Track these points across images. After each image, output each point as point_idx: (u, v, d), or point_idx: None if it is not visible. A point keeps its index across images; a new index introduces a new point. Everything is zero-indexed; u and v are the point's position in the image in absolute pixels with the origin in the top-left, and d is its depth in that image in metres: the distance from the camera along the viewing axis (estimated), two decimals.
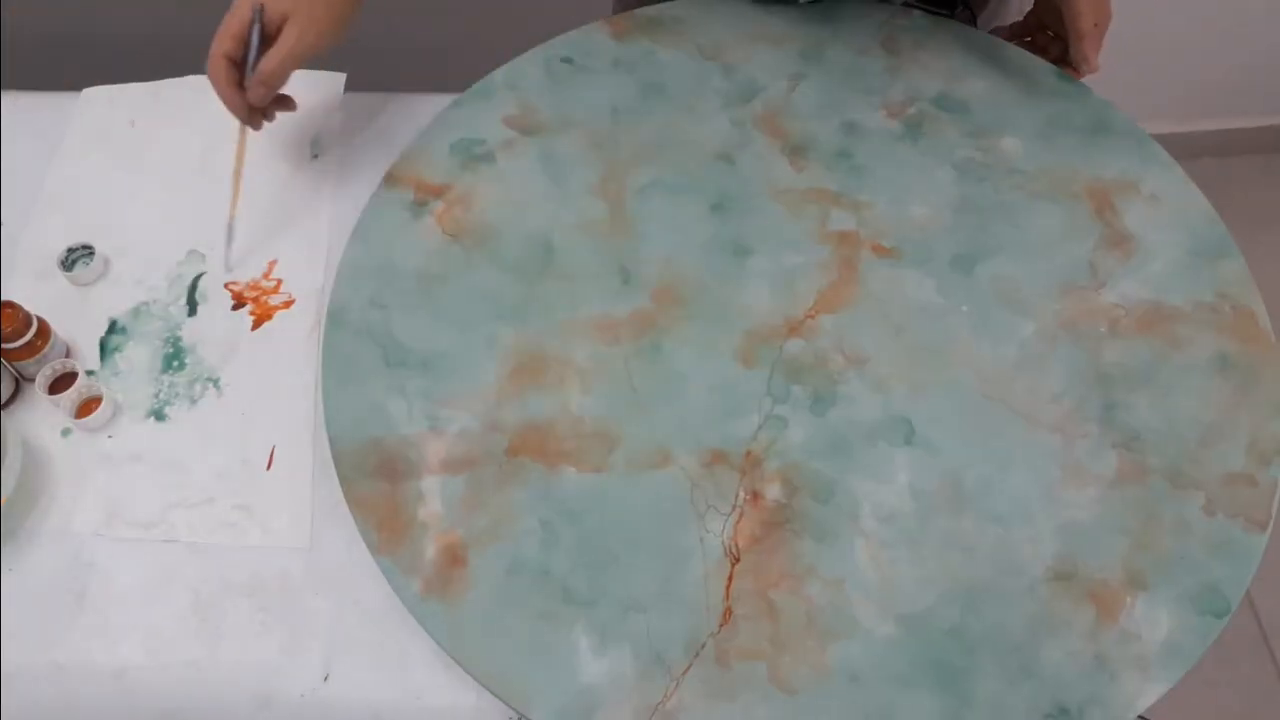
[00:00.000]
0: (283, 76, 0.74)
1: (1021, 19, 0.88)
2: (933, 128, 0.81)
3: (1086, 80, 0.83)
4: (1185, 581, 0.63)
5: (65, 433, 0.74)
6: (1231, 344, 0.71)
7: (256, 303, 0.80)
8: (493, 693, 0.61)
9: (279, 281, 0.81)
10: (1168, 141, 0.81)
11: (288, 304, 0.80)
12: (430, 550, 0.65)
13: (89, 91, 0.92)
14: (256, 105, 0.75)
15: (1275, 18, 1.52)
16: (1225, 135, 1.76)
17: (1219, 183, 0.88)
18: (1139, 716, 0.60)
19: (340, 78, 0.91)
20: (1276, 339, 0.71)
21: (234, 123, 0.77)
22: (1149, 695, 0.60)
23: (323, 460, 0.70)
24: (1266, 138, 1.79)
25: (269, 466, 0.73)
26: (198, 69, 0.92)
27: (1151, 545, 0.64)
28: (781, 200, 0.78)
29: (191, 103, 0.91)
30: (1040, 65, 0.84)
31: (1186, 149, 1.24)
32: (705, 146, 0.80)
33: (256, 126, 0.78)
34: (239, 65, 0.74)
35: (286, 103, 0.80)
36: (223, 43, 0.72)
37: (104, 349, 0.78)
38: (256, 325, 0.79)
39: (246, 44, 0.73)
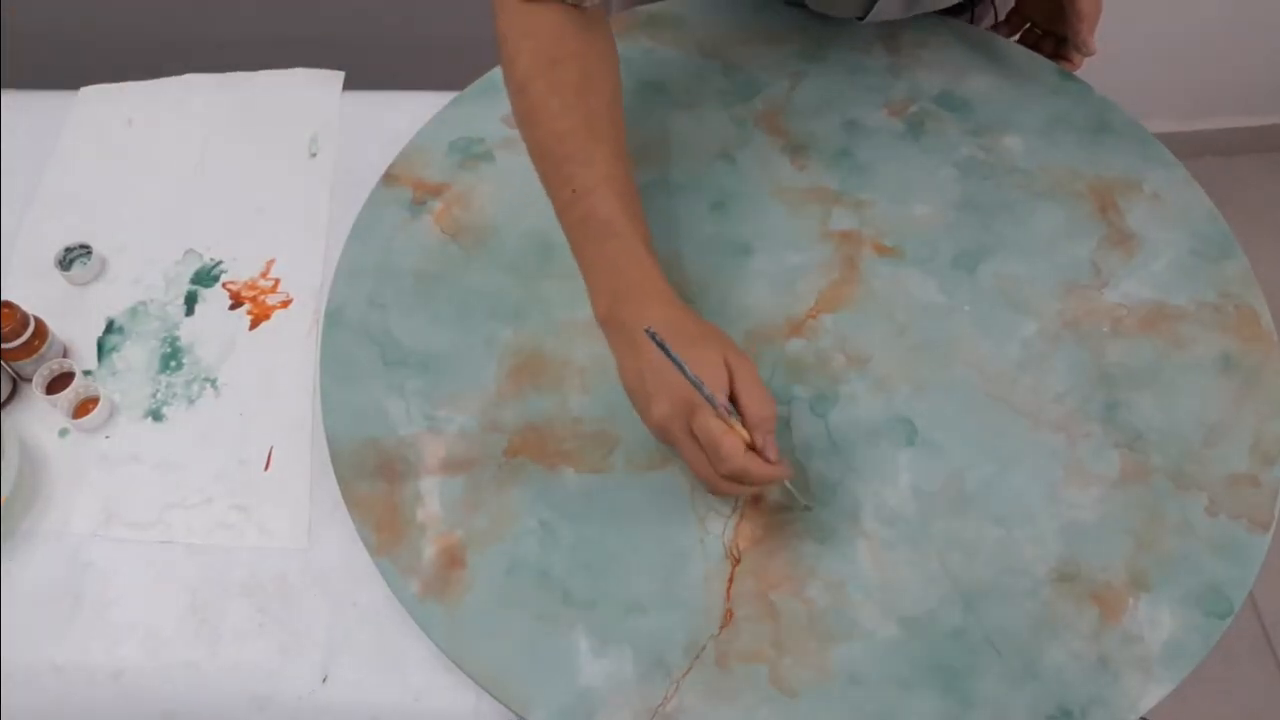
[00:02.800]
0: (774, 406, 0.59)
1: (1004, 19, 0.88)
2: (934, 126, 0.81)
3: (1088, 78, 0.83)
4: (1188, 582, 0.63)
5: (63, 433, 0.74)
6: (1234, 344, 0.71)
7: (254, 302, 0.80)
8: (492, 695, 0.60)
9: (277, 281, 0.81)
10: (1170, 140, 0.80)
11: (286, 303, 0.80)
12: (429, 551, 0.64)
13: (87, 91, 0.92)
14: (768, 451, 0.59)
15: (1277, 16, 1.52)
16: (1228, 134, 1.76)
17: (1222, 182, 0.88)
18: (1141, 718, 0.60)
19: (339, 76, 0.91)
20: (1279, 338, 0.71)
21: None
22: (1152, 696, 0.59)
23: (321, 460, 0.70)
24: (1269, 136, 1.78)
25: (267, 467, 0.73)
26: (196, 68, 0.92)
27: (1154, 546, 0.64)
28: (782, 199, 0.77)
29: (190, 102, 0.91)
30: (1042, 63, 0.84)
31: (1189, 148, 1.24)
32: (706, 145, 0.80)
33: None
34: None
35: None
36: (734, 446, 0.56)
37: (101, 349, 0.78)
38: (254, 325, 0.79)
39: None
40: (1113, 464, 0.66)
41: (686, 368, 0.57)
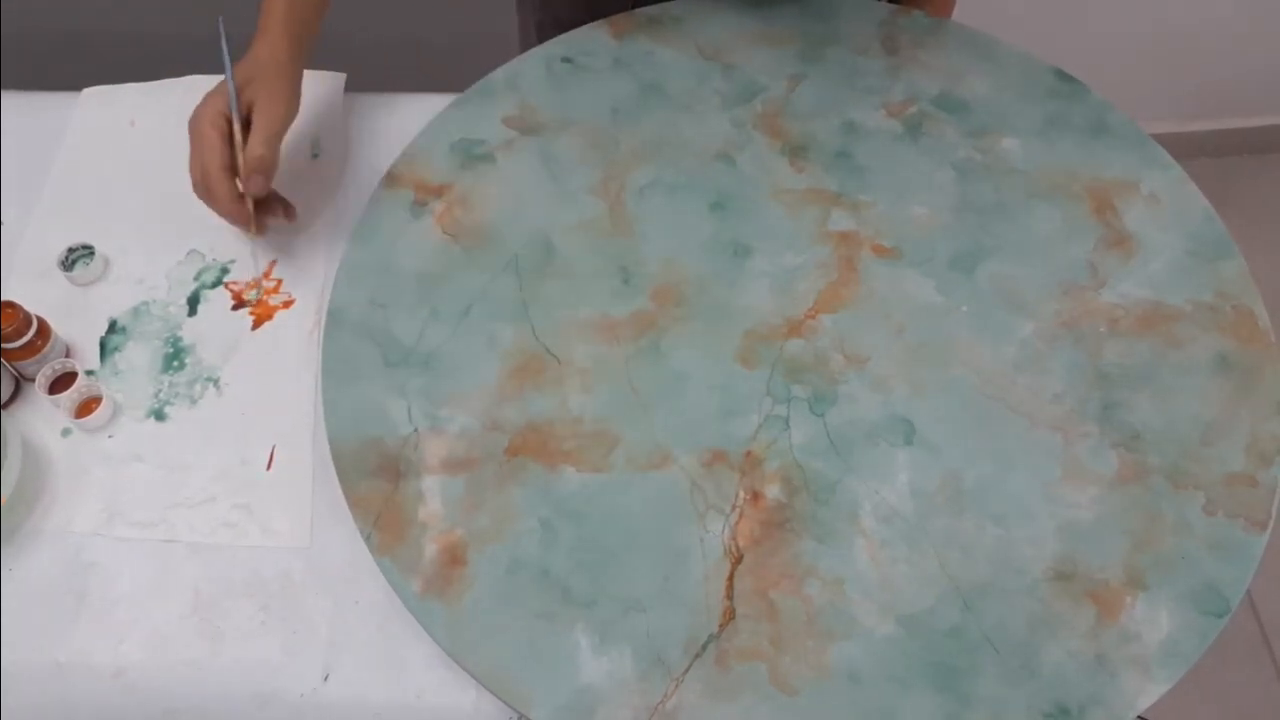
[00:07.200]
0: (273, 157, 0.73)
1: None
2: (933, 127, 0.81)
3: (1086, 79, 0.83)
4: (1185, 581, 0.63)
5: (65, 433, 0.74)
6: (1231, 343, 0.71)
7: (257, 302, 0.80)
8: (492, 692, 0.61)
9: (279, 281, 0.81)
10: (1167, 141, 0.81)
11: (288, 304, 0.80)
12: (430, 550, 0.65)
13: (89, 91, 0.92)
14: (258, 195, 0.74)
15: (1274, 18, 1.52)
16: (1225, 135, 1.76)
17: (1218, 182, 0.88)
18: (1139, 716, 0.60)
19: (340, 78, 0.91)
20: (1276, 338, 0.72)
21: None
22: (1149, 695, 0.60)
23: (323, 460, 0.70)
24: (1266, 137, 1.79)
25: (269, 466, 0.73)
26: (198, 69, 0.93)
27: (1152, 545, 0.64)
28: (781, 200, 0.78)
29: (191, 103, 0.91)
30: (1039, 65, 0.84)
31: (1186, 149, 1.24)
32: (705, 146, 0.80)
33: (260, 231, 0.76)
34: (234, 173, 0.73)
35: (288, 211, 0.79)
36: (212, 156, 0.71)
37: (104, 349, 0.78)
38: (257, 325, 0.79)
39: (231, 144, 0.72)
40: (1110, 463, 0.67)
41: (229, 67, 0.73)
